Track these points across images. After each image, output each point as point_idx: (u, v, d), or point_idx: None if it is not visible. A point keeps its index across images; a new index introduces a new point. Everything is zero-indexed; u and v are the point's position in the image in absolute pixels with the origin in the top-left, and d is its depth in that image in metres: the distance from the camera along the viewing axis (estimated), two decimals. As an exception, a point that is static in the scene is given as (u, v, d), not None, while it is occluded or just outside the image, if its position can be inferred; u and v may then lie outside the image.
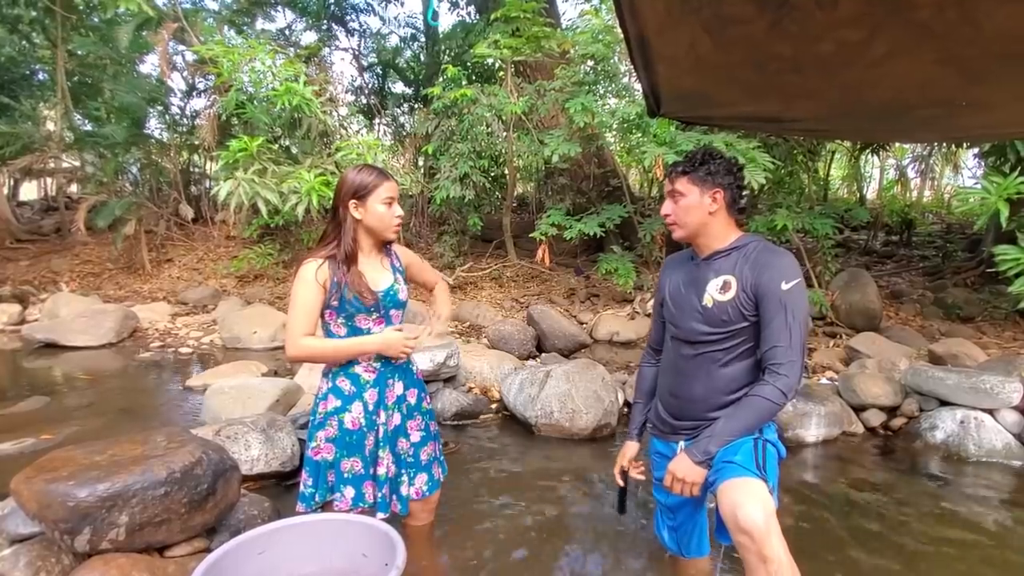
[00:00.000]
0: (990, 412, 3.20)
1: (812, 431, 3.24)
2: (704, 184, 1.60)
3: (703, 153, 1.63)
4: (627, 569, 2.05)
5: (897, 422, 3.47)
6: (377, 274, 1.77)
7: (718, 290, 1.60)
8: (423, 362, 3.40)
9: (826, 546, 2.24)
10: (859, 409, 3.50)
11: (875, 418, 3.47)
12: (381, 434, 1.78)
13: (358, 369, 1.76)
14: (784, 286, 1.51)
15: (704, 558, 1.92)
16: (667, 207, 1.67)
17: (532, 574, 2.02)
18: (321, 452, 1.74)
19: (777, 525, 1.38)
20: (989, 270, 5.61)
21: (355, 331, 1.74)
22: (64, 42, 8.25)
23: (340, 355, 1.73)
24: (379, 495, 1.77)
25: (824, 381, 4.04)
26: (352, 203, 1.70)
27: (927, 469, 3.01)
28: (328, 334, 1.76)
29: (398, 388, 1.83)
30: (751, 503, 1.38)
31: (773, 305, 1.51)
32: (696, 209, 1.61)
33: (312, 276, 1.66)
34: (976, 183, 4.62)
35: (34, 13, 8.16)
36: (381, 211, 1.71)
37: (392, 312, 1.80)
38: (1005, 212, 3.82)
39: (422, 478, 1.88)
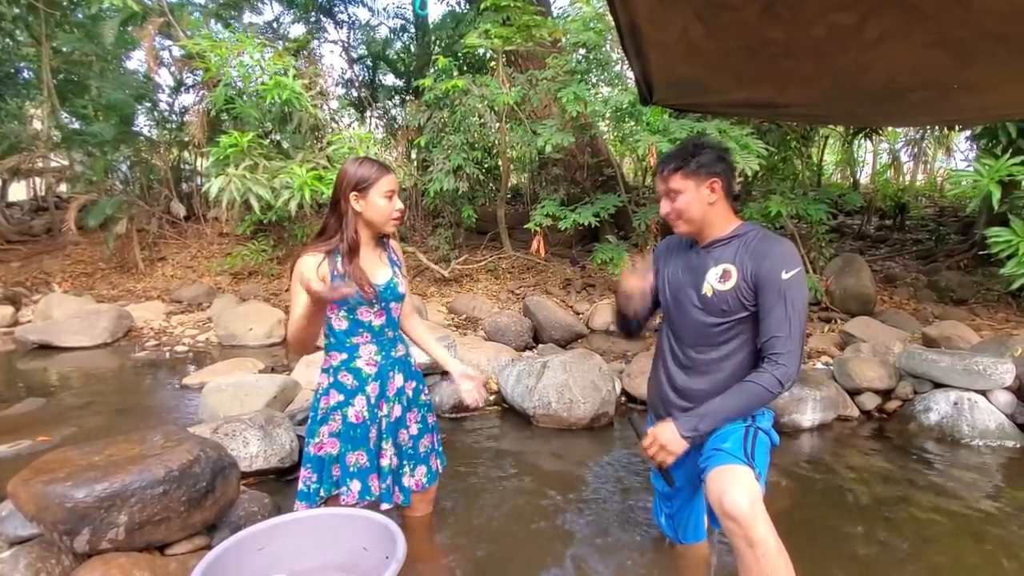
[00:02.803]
0: (983, 393, 3.23)
1: (808, 416, 3.26)
2: (699, 176, 1.57)
3: (692, 145, 1.60)
4: (627, 556, 2.07)
5: (892, 405, 3.50)
6: (377, 268, 1.78)
7: (718, 279, 1.59)
8: (420, 355, 3.40)
9: (822, 529, 2.27)
10: (854, 393, 3.53)
11: (870, 401, 3.50)
12: (384, 426, 1.80)
13: (359, 363, 1.77)
14: (784, 276, 1.50)
15: (701, 543, 1.95)
16: (665, 207, 1.63)
17: (533, 563, 2.03)
18: (325, 447, 1.75)
19: (764, 510, 1.40)
20: (982, 252, 5.65)
21: (357, 324, 1.75)
22: (48, 39, 8.12)
23: (301, 318, 1.60)
24: (383, 486, 1.79)
25: (819, 366, 4.06)
26: (353, 195, 1.69)
27: (922, 451, 3.04)
28: (330, 328, 1.77)
29: (398, 380, 1.84)
30: (736, 490, 1.40)
31: (773, 295, 1.51)
32: (696, 203, 1.58)
33: (312, 271, 1.66)
34: (968, 166, 4.64)
35: (17, 10, 8.01)
36: (381, 204, 1.71)
37: (392, 305, 1.81)
38: (997, 194, 3.83)
39: (421, 470, 1.90)
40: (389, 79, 10.11)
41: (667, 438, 1.55)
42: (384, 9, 10.65)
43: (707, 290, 1.60)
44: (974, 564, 2.06)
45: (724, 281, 1.58)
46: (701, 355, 1.65)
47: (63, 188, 10.01)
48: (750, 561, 1.38)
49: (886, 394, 3.54)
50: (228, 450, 2.10)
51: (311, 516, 1.64)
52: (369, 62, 10.02)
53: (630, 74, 4.65)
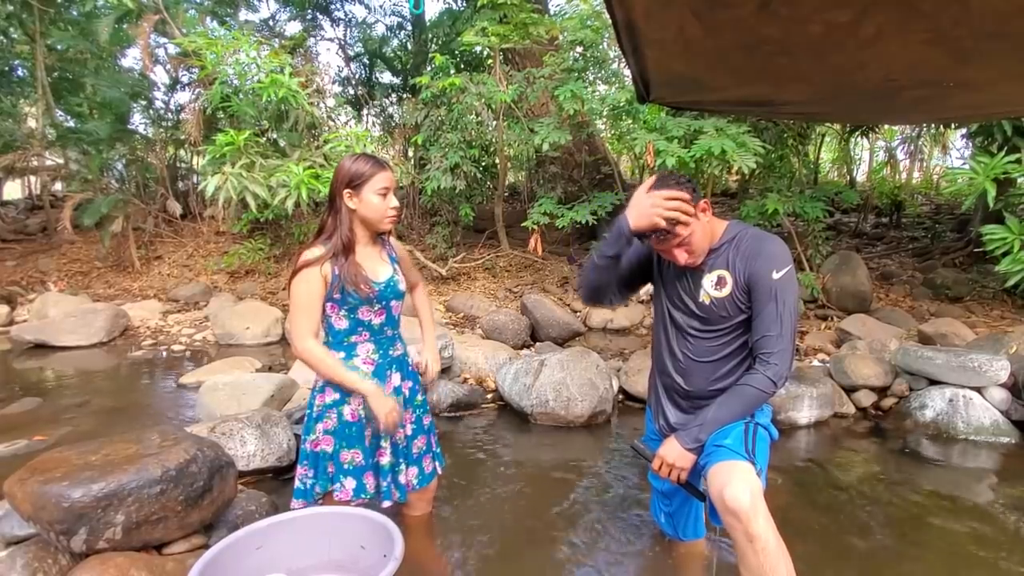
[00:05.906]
0: (978, 390, 3.24)
1: (804, 413, 3.27)
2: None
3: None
4: (626, 553, 2.07)
5: (887, 402, 3.52)
6: (377, 266, 1.77)
7: (713, 286, 1.60)
8: (417, 354, 3.40)
9: (817, 525, 2.27)
10: (850, 390, 3.54)
11: (866, 398, 3.51)
12: None
13: (357, 362, 1.77)
14: (775, 276, 1.51)
15: (701, 540, 1.96)
16: (683, 257, 1.57)
17: (532, 561, 2.03)
18: (320, 444, 1.75)
19: (764, 505, 1.41)
20: (977, 250, 5.67)
21: (357, 323, 1.75)
22: (43, 36, 8.06)
23: (332, 378, 1.71)
24: (383, 484, 1.79)
25: (816, 363, 4.08)
26: (347, 192, 1.68)
27: (917, 448, 3.05)
28: (329, 327, 1.76)
29: (395, 379, 1.84)
30: (738, 484, 1.41)
31: (764, 295, 1.52)
32: (700, 233, 1.55)
33: (315, 273, 1.66)
34: (964, 164, 4.65)
35: (10, 7, 7.96)
36: (375, 202, 1.69)
37: (392, 303, 1.80)
38: (992, 192, 3.85)
39: (412, 471, 1.90)
40: (386, 77, 10.08)
41: (674, 456, 1.57)
42: (381, 7, 10.55)
43: (704, 298, 1.61)
44: (969, 560, 2.07)
45: (720, 288, 1.59)
46: (700, 358, 1.66)
47: (58, 187, 9.95)
48: (750, 555, 1.39)
49: (882, 391, 3.55)
50: (225, 449, 2.09)
51: (308, 515, 1.64)
52: (366, 60, 9.99)
53: (627, 72, 4.65)
